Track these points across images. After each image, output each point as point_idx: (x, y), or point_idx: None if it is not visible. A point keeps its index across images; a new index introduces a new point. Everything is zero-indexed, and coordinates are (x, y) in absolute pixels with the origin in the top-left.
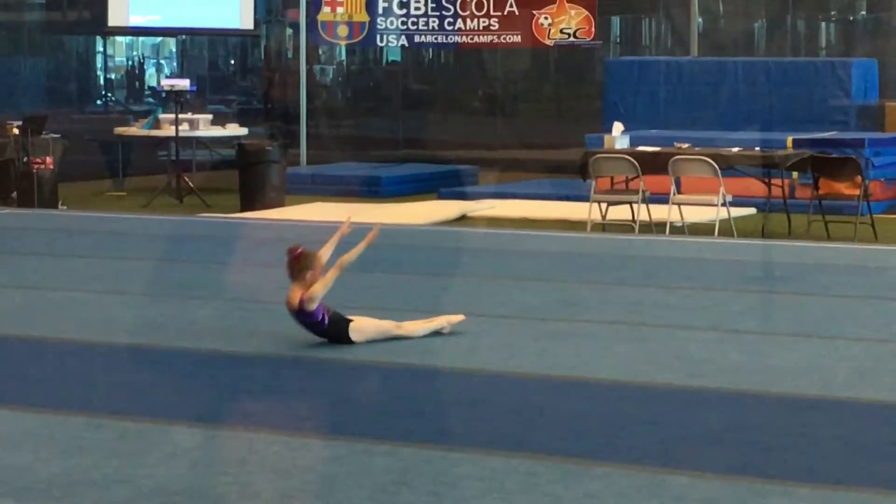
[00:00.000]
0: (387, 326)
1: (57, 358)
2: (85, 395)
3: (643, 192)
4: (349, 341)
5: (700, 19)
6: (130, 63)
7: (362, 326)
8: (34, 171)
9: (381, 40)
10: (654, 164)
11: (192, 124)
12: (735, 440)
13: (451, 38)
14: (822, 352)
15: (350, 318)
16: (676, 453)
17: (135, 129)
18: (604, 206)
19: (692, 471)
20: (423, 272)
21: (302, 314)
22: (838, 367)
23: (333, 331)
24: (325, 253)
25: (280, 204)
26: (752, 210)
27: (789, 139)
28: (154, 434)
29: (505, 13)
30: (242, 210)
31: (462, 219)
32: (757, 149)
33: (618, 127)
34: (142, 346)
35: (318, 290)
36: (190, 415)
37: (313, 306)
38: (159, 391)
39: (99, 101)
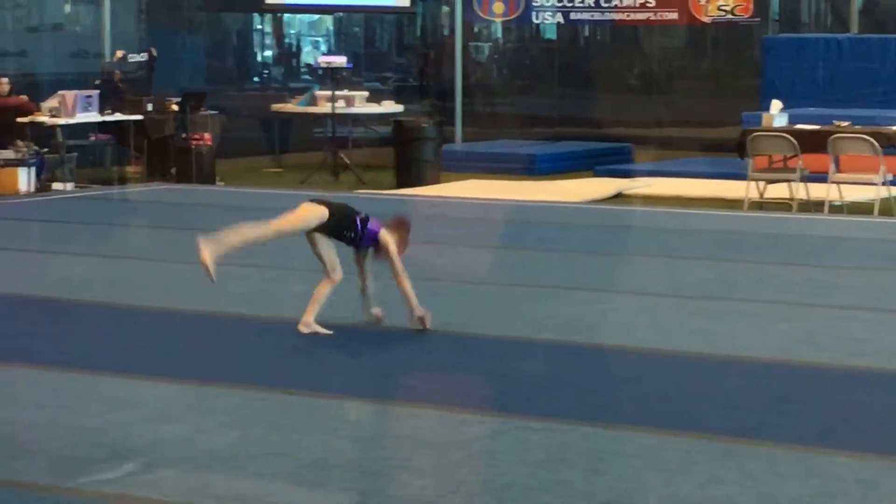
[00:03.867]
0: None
1: (215, 331)
2: (245, 368)
3: (801, 170)
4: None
5: None
6: (287, 40)
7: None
8: (193, 147)
9: (537, 17)
10: (812, 143)
11: (349, 101)
12: (895, 421)
13: (607, 15)
14: None
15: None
16: (836, 433)
17: (291, 106)
18: (762, 184)
19: (852, 451)
20: (578, 250)
21: (371, 235)
22: None
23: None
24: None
25: (435, 181)
26: None
27: None
28: (314, 408)
29: None
30: (398, 187)
31: (618, 197)
32: None
33: (776, 105)
34: (291, 319)
35: (392, 250)
36: (349, 389)
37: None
38: (318, 365)
39: (256, 78)
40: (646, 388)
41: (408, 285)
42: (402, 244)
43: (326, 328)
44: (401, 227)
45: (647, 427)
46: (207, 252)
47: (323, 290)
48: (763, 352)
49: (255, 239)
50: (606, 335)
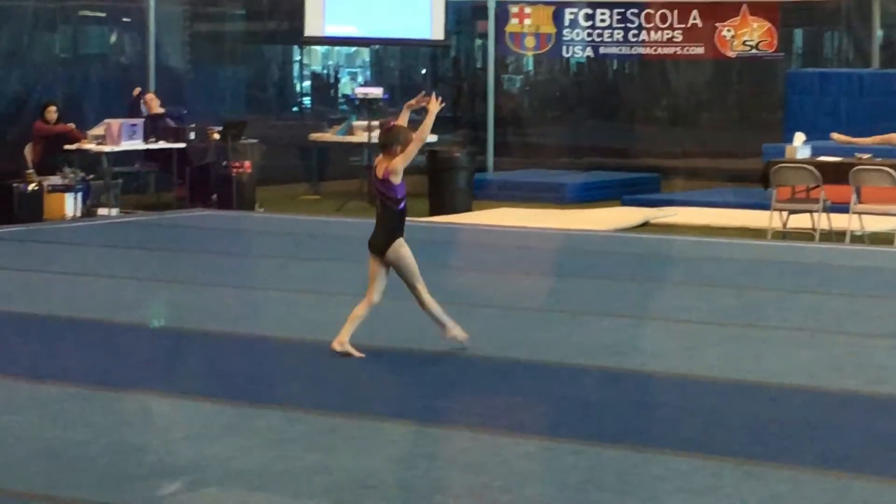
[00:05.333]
0: (414, 279)
1: (255, 354)
2: (285, 389)
3: (824, 201)
4: (392, 239)
5: (881, 32)
6: (325, 71)
7: (403, 254)
8: (233, 174)
9: (567, 51)
10: (835, 174)
11: None
12: None
13: (635, 50)
14: None
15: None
16: (860, 458)
17: (329, 135)
18: (785, 214)
19: (877, 476)
20: (607, 277)
21: (386, 183)
22: None
23: (397, 221)
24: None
25: (468, 209)
26: None
27: None
28: (350, 429)
29: (688, 25)
30: (431, 214)
31: (645, 225)
32: None
33: (799, 137)
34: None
35: (400, 163)
36: (385, 411)
37: (397, 179)
38: (352, 387)
39: (295, 108)
40: (674, 412)
41: (421, 131)
42: (397, 153)
43: (360, 350)
44: (389, 143)
45: (675, 450)
46: (340, 344)
47: (360, 312)
48: (788, 377)
49: (364, 313)
50: (636, 360)
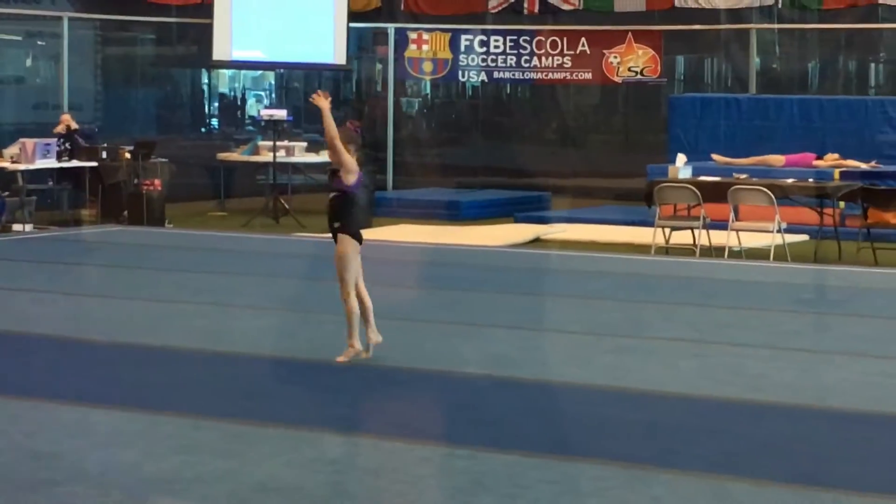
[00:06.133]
0: (351, 286)
1: (164, 364)
2: (191, 398)
3: (704, 218)
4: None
5: (758, 59)
6: (232, 94)
7: (347, 253)
8: (144, 191)
9: (463, 76)
10: (714, 193)
11: (289, 151)
12: (792, 450)
13: (527, 75)
14: (873, 370)
15: (359, 240)
16: (738, 462)
17: (236, 155)
18: (667, 231)
19: (753, 478)
20: (500, 291)
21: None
22: (889, 383)
23: (344, 208)
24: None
25: (368, 225)
26: (805, 237)
27: (836, 172)
28: (253, 435)
29: (577, 52)
30: None
31: (536, 241)
32: (810, 180)
33: (681, 158)
34: (240, 353)
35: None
36: (287, 418)
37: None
38: (256, 395)
39: (203, 129)
40: (561, 419)
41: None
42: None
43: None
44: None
45: (561, 455)
46: (353, 352)
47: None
48: (670, 385)
49: (351, 301)
50: (526, 370)
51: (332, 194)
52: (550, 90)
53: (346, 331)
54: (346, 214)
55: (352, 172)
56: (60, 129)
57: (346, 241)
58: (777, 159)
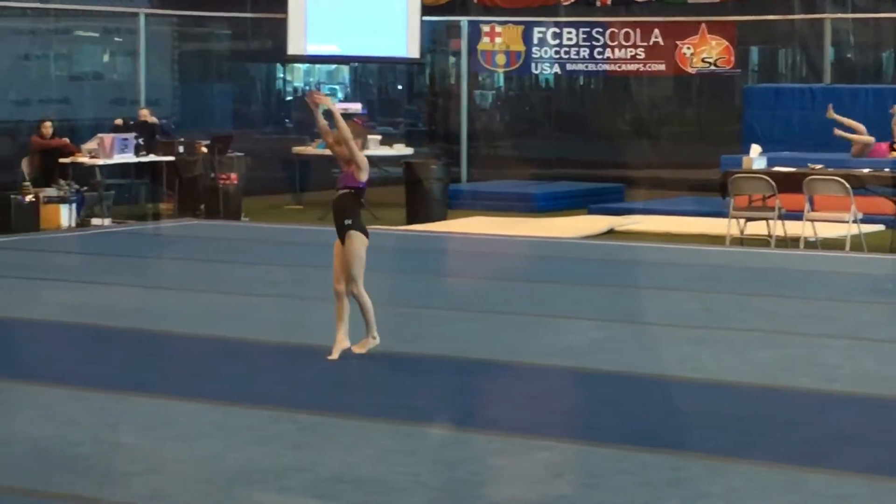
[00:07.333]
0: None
1: (241, 356)
2: (268, 389)
3: (779, 209)
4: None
5: (832, 49)
6: (307, 88)
7: (360, 251)
8: (220, 186)
9: (536, 68)
10: (789, 184)
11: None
12: (869, 440)
13: (600, 67)
14: None
15: (366, 235)
16: (814, 452)
17: (311, 149)
18: (742, 221)
19: (828, 468)
20: (574, 282)
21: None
22: None
23: (354, 205)
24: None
25: (442, 217)
26: (881, 227)
27: None
28: (330, 427)
29: (650, 44)
30: (408, 223)
31: (610, 233)
32: (886, 170)
33: (755, 149)
34: (316, 346)
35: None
36: (364, 409)
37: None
38: (333, 387)
39: (278, 123)
40: (638, 410)
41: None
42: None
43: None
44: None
45: (638, 446)
46: (340, 347)
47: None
48: (745, 376)
49: (365, 295)
50: (601, 360)
51: (340, 191)
52: (624, 82)
53: (365, 326)
54: (355, 212)
55: (365, 170)
56: (119, 122)
57: (358, 239)
58: (868, 139)
